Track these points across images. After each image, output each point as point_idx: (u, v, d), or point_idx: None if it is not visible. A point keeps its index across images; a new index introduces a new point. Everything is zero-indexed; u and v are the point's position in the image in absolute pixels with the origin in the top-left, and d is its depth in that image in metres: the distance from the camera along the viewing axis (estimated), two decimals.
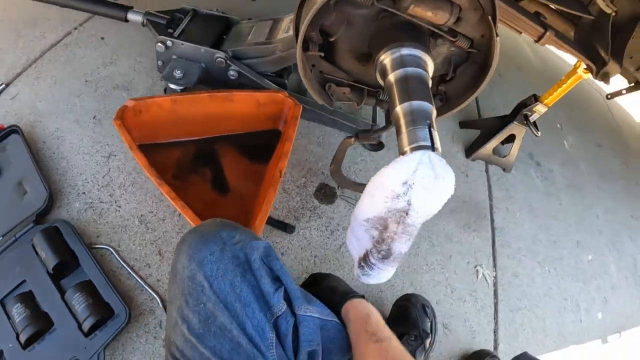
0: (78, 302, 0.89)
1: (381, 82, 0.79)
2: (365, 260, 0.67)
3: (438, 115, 0.92)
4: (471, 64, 0.85)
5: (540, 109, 1.50)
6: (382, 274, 0.68)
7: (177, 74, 1.20)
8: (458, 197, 1.54)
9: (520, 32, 1.16)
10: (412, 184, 0.59)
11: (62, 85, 1.28)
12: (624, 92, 1.61)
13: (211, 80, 1.29)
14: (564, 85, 1.40)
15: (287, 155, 1.11)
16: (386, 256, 0.65)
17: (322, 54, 0.83)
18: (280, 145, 1.23)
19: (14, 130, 1.11)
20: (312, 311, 0.74)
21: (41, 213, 1.01)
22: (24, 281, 0.92)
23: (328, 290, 0.92)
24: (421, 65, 0.73)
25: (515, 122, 1.55)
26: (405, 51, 0.74)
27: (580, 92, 2.79)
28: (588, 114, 2.58)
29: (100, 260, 1.00)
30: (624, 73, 1.53)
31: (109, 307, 0.91)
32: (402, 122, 0.68)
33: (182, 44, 1.21)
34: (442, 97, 0.91)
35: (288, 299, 0.71)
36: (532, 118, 1.53)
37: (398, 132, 0.68)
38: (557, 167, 1.94)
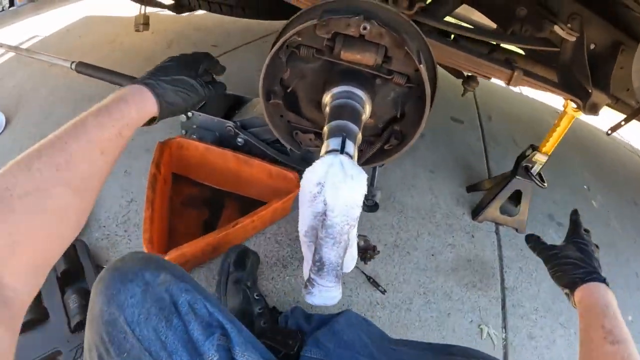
0: (73, 301, 1.05)
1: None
2: (308, 279, 0.67)
3: (397, 151, 1.02)
4: (414, 100, 0.95)
5: (540, 158, 1.47)
6: (323, 293, 0.66)
7: (193, 138, 1.47)
8: (461, 256, 1.53)
9: (489, 78, 1.19)
10: (324, 183, 0.65)
11: None
12: (622, 123, 1.56)
13: (223, 146, 1.52)
14: (558, 129, 1.39)
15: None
16: (320, 267, 0.65)
17: (280, 102, 0.99)
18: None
19: None
20: (253, 357, 0.71)
21: None
22: None
23: (568, 262, 0.90)
24: (353, 98, 0.86)
25: (518, 177, 1.51)
26: (340, 89, 0.87)
27: (614, 154, 2.76)
28: (621, 175, 2.50)
29: None
30: (625, 109, 1.51)
31: None
32: (325, 137, 0.78)
33: (200, 115, 1.51)
34: (397, 135, 1.00)
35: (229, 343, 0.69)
36: (535, 169, 1.50)
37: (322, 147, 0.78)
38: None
